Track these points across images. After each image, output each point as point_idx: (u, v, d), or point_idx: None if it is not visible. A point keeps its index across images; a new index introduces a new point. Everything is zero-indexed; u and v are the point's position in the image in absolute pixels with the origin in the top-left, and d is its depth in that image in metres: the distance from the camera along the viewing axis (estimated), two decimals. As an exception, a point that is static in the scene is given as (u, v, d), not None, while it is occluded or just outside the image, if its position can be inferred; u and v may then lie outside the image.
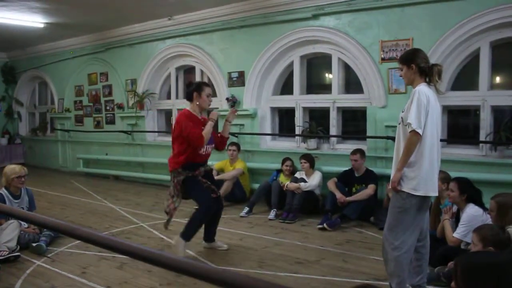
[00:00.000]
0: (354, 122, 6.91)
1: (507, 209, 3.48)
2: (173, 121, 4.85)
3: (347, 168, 6.02)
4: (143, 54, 8.94)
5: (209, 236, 4.73)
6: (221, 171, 7.00)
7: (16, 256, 4.38)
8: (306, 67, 7.21)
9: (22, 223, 4.69)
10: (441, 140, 3.52)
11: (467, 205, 3.92)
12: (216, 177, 6.73)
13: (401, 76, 3.41)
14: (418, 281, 3.41)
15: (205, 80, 8.24)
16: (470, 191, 3.97)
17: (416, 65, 3.26)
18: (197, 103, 4.39)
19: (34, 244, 4.63)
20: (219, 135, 4.71)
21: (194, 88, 4.39)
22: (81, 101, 10.52)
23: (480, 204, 3.94)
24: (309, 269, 4.12)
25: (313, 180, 6.10)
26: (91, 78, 10.17)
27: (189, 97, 4.45)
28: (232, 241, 5.01)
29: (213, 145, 4.54)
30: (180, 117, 4.37)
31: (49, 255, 4.55)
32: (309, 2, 6.54)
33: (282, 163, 6.50)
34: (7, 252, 4.33)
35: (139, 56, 9.00)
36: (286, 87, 7.40)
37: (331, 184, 5.85)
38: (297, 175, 6.26)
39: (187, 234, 4.38)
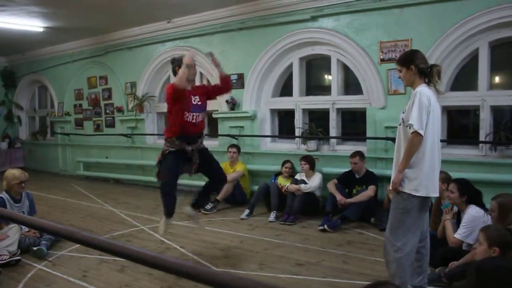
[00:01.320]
0: (354, 123, 6.91)
1: (508, 210, 3.48)
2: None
3: (347, 170, 6.02)
4: (143, 57, 8.94)
5: (195, 201, 4.79)
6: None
7: (17, 260, 4.39)
8: (306, 69, 7.21)
9: (23, 227, 4.69)
10: (441, 141, 3.52)
11: (468, 206, 3.91)
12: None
13: (399, 77, 3.41)
14: (419, 282, 3.41)
15: (204, 82, 8.25)
16: (470, 192, 3.97)
17: (415, 66, 3.26)
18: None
19: (34, 248, 4.63)
20: (219, 79, 4.69)
21: (177, 64, 4.49)
22: (80, 105, 10.53)
23: (481, 205, 3.94)
24: (310, 271, 4.12)
25: (314, 182, 6.10)
26: (90, 82, 10.18)
27: (174, 73, 4.57)
28: (233, 243, 5.01)
29: (203, 113, 4.57)
30: (167, 90, 4.50)
31: (49, 259, 4.55)
32: (307, 3, 6.55)
33: (282, 165, 6.49)
34: (8, 256, 4.33)
35: (139, 59, 9.01)
36: (285, 89, 7.40)
37: (331, 186, 5.85)
38: (297, 176, 6.25)
39: (164, 211, 4.48)
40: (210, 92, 4.71)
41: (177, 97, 4.33)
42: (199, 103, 4.52)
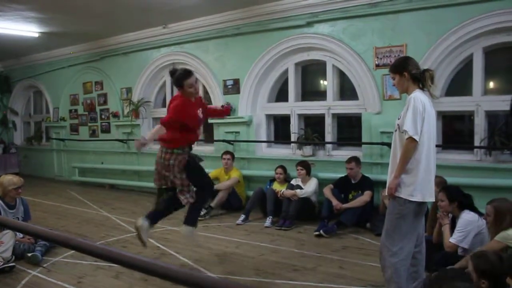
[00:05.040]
0: (349, 129, 6.93)
1: (504, 214, 3.50)
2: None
3: (343, 175, 6.02)
4: (138, 63, 8.94)
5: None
6: (216, 179, 6.96)
7: (11, 266, 4.36)
8: (301, 74, 7.23)
9: (17, 233, 4.66)
10: (436, 146, 3.53)
11: (462, 211, 3.91)
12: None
13: (394, 85, 3.43)
14: (414, 287, 3.41)
15: (201, 88, 8.25)
16: (459, 198, 3.96)
17: (408, 72, 3.29)
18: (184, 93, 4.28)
19: (29, 254, 4.60)
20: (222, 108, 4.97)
21: (176, 84, 4.26)
22: (76, 110, 10.50)
23: (474, 209, 3.94)
24: (306, 276, 4.11)
25: (309, 187, 6.10)
26: (86, 87, 10.16)
27: (175, 84, 4.33)
28: (229, 249, 5.00)
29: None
30: (175, 101, 4.27)
31: (44, 265, 4.52)
32: (303, 9, 6.58)
33: (275, 171, 6.50)
34: (2, 263, 4.31)
35: (134, 65, 9.01)
36: (281, 94, 7.42)
37: (327, 191, 5.85)
38: (293, 182, 6.25)
39: (193, 220, 4.38)
40: (206, 112, 4.55)
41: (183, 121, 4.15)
42: (201, 115, 4.38)
